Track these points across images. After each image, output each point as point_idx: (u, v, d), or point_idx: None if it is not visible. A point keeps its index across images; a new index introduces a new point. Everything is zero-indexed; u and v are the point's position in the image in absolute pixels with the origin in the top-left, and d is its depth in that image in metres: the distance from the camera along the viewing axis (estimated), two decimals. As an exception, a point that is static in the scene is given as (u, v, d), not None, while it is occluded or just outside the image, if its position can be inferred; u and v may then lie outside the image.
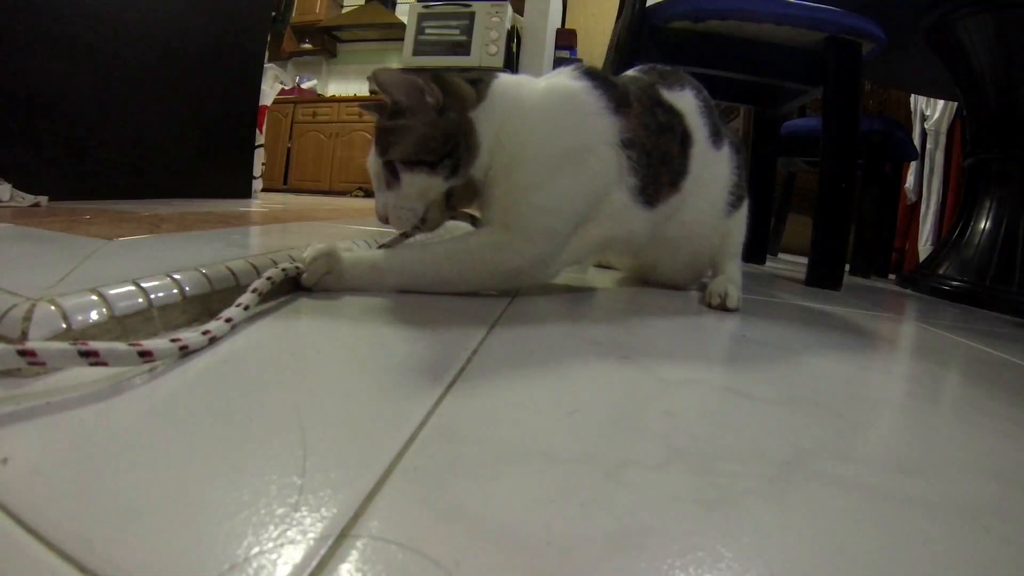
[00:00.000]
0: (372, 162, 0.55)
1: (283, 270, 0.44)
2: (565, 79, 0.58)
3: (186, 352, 0.31)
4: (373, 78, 0.51)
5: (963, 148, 2.00)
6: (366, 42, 4.71)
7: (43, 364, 0.25)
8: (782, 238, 2.31)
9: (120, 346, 0.27)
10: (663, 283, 0.79)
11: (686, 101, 0.66)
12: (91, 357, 0.26)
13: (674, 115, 0.63)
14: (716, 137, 0.69)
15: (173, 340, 0.30)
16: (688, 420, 0.30)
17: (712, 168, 0.69)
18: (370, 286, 0.51)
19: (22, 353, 0.24)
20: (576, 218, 0.56)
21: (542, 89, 0.58)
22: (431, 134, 0.52)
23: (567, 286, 0.71)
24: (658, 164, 0.60)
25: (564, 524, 0.19)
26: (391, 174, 0.53)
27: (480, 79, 0.56)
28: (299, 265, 0.48)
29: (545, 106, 0.56)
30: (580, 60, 0.61)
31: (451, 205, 0.56)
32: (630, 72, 0.71)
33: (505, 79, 0.58)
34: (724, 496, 0.22)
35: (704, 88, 0.71)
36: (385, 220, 0.55)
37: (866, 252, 1.86)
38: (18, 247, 0.49)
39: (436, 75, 0.53)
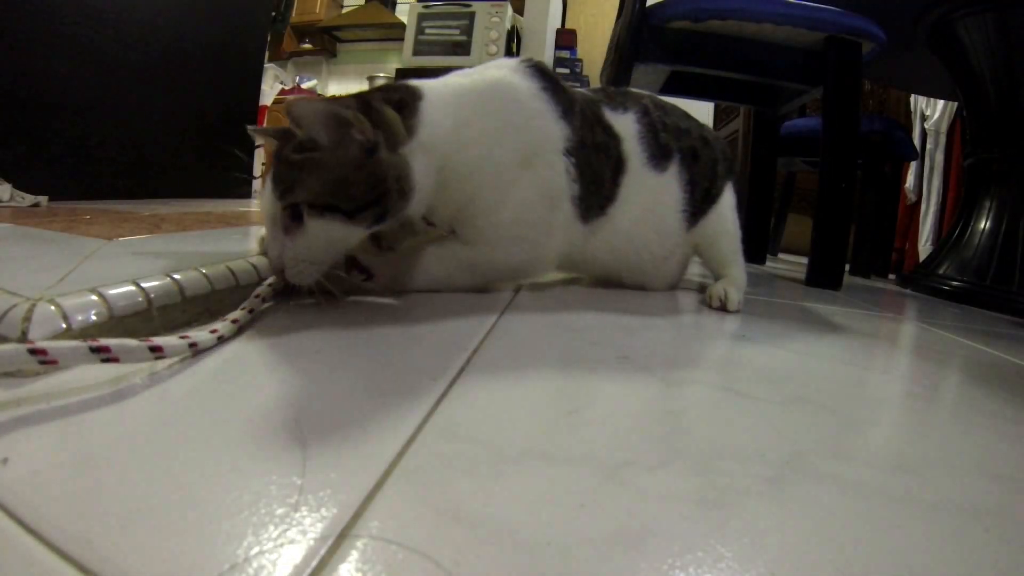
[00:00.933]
0: (267, 201, 0.43)
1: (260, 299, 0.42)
2: (510, 78, 0.54)
3: (196, 350, 0.31)
4: (286, 111, 0.41)
5: (963, 148, 1.99)
6: (366, 42, 4.70)
7: (54, 363, 0.25)
8: (782, 238, 2.31)
9: (131, 342, 0.27)
10: (632, 284, 0.72)
11: (626, 125, 0.62)
12: (102, 353, 0.26)
13: (611, 137, 0.61)
14: (660, 158, 0.64)
15: (183, 337, 0.30)
16: (688, 420, 0.30)
17: (653, 193, 0.64)
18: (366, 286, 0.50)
19: (33, 352, 0.24)
20: (546, 214, 0.55)
21: (482, 98, 0.52)
22: (354, 178, 0.42)
23: (567, 285, 0.71)
24: (590, 183, 0.57)
25: (564, 524, 0.19)
26: (292, 217, 0.42)
27: (403, 100, 0.47)
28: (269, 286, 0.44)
29: (488, 119, 0.51)
30: (524, 57, 0.57)
31: (379, 245, 0.52)
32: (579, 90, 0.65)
33: (436, 92, 0.50)
34: (724, 496, 0.22)
35: (655, 108, 0.66)
36: (280, 272, 0.43)
37: (866, 252, 1.86)
38: (18, 247, 0.49)
39: (364, 102, 0.44)
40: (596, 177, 0.58)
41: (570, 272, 0.72)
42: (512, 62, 0.56)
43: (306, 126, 0.42)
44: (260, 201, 0.46)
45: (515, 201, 0.52)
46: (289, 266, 0.42)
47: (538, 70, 0.55)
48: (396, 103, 0.46)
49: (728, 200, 0.71)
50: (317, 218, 0.42)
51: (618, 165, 0.61)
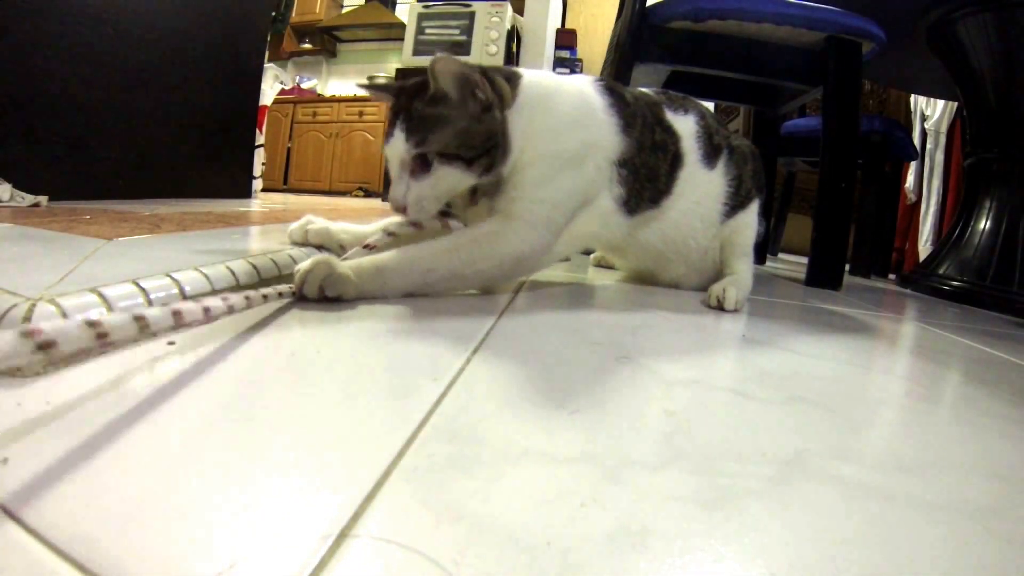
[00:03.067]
0: (397, 149, 0.51)
1: (279, 293, 0.42)
2: (588, 89, 0.62)
3: (180, 322, 0.29)
4: (431, 66, 0.49)
5: (963, 148, 1.99)
6: (366, 42, 4.71)
7: (53, 344, 0.22)
8: (782, 238, 2.31)
9: (123, 316, 0.25)
10: (668, 284, 0.80)
11: (686, 125, 0.71)
12: (96, 327, 0.24)
13: (671, 135, 0.68)
14: (711, 156, 0.73)
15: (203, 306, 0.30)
16: (688, 420, 0.30)
17: (703, 186, 0.72)
18: (375, 291, 0.49)
19: (27, 334, 0.22)
20: (571, 213, 0.60)
21: (565, 96, 0.60)
22: (474, 130, 0.51)
23: (567, 286, 0.71)
24: (644, 181, 0.65)
25: (564, 524, 0.19)
26: (421, 164, 0.51)
27: (510, 76, 0.57)
28: (292, 287, 0.45)
29: (564, 112, 0.59)
30: (598, 76, 0.66)
31: (475, 200, 0.57)
32: (643, 89, 0.74)
33: (533, 78, 0.59)
34: (724, 496, 0.22)
35: (710, 115, 0.75)
36: (401, 210, 0.52)
37: (866, 252, 1.86)
38: (18, 247, 0.49)
39: (483, 70, 0.53)
40: (651, 175, 0.66)
41: (617, 258, 0.83)
42: (588, 78, 0.65)
43: (442, 81, 0.50)
44: (386, 149, 0.52)
45: (556, 185, 0.57)
46: (412, 204, 0.51)
47: (608, 88, 0.64)
48: (505, 76, 0.56)
49: (754, 210, 0.78)
50: (444, 165, 0.50)
51: (675, 161, 0.68)
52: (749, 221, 0.77)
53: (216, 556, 0.16)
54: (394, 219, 0.56)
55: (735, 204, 0.75)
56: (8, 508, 0.17)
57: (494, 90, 0.53)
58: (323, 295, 0.45)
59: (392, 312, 0.47)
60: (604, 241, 0.69)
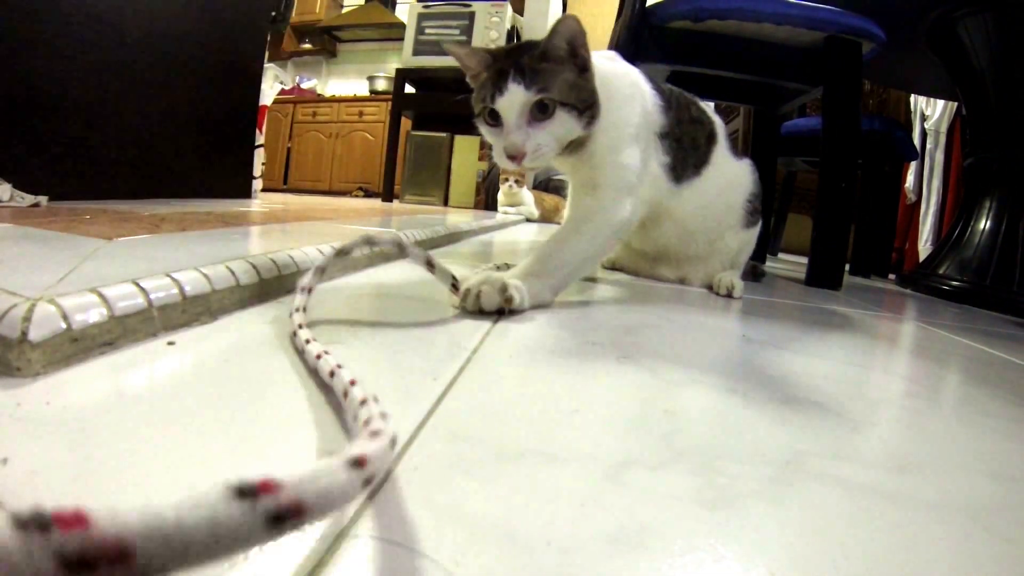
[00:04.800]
0: (516, 98, 0.54)
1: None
2: (637, 78, 0.69)
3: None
4: (560, 22, 0.54)
5: (963, 148, 1.99)
6: (366, 42, 4.71)
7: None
8: (782, 238, 2.31)
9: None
10: (674, 276, 0.87)
11: (714, 116, 0.81)
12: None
13: (704, 115, 0.78)
14: (735, 151, 0.83)
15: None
16: (688, 420, 0.30)
17: (732, 168, 0.81)
18: (534, 298, 0.53)
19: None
20: (642, 179, 0.66)
21: (621, 75, 0.67)
22: (580, 84, 0.57)
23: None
24: (688, 149, 0.73)
25: (564, 524, 0.19)
26: (540, 111, 0.55)
27: None
28: (458, 304, 0.49)
29: (627, 93, 0.66)
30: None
31: (567, 149, 0.61)
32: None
33: (595, 55, 0.64)
34: (724, 496, 0.22)
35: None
36: (516, 156, 0.55)
37: (866, 252, 1.86)
38: (18, 247, 0.49)
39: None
40: (692, 143, 0.74)
41: (632, 261, 0.91)
42: (633, 68, 0.70)
43: (559, 39, 0.55)
44: (500, 102, 0.55)
45: (628, 152, 0.64)
46: (532, 149, 0.55)
47: (646, 75, 0.71)
48: None
49: (757, 231, 0.87)
50: (563, 111, 0.55)
51: (710, 137, 0.77)
52: (752, 239, 0.87)
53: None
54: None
55: (755, 208, 0.84)
56: (8, 508, 0.17)
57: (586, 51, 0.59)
58: (499, 310, 0.49)
59: (391, 311, 0.47)
60: (656, 205, 0.74)
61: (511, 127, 0.55)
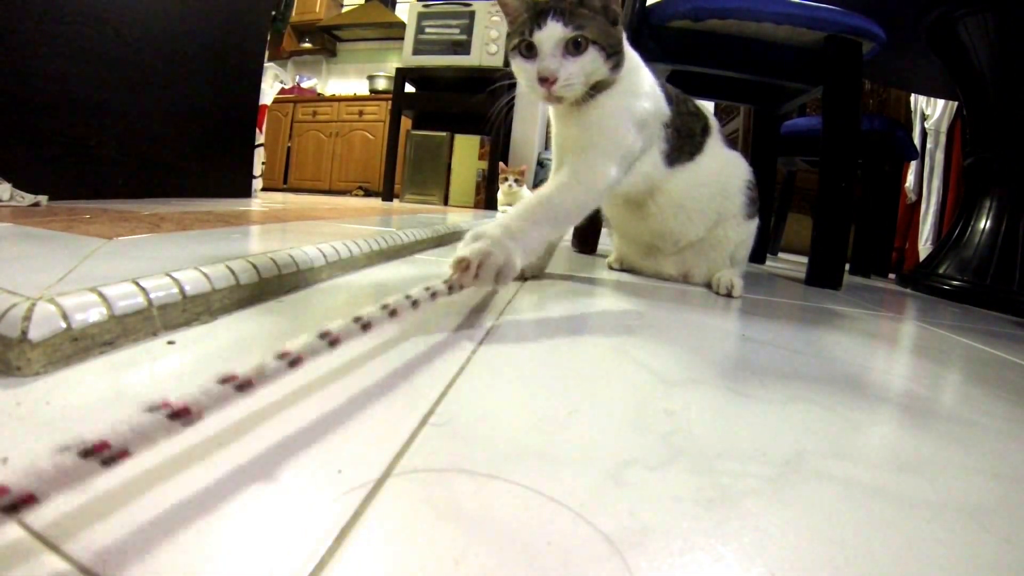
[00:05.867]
0: (554, 31, 0.60)
1: (430, 292, 0.39)
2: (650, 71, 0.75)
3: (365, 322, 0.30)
4: None
5: (963, 147, 1.99)
6: (366, 41, 4.70)
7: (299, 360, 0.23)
8: (782, 237, 2.31)
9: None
10: (677, 273, 0.88)
11: (709, 112, 0.86)
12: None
13: (700, 110, 0.83)
14: (730, 145, 0.87)
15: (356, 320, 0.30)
16: (688, 419, 0.30)
17: (726, 155, 0.85)
18: (526, 262, 0.54)
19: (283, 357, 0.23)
20: (633, 149, 0.69)
21: (640, 62, 0.72)
22: (610, 32, 0.63)
23: (568, 284, 0.71)
24: (684, 138, 0.78)
25: (564, 524, 0.19)
26: (574, 47, 0.61)
27: None
28: (449, 280, 0.43)
29: (644, 70, 0.72)
30: None
31: (586, 95, 0.65)
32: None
33: None
34: (724, 496, 0.22)
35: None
36: (551, 80, 0.60)
37: (866, 251, 1.86)
38: (18, 246, 0.49)
39: None
40: (689, 133, 0.79)
41: (634, 259, 0.92)
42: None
43: None
44: (538, 35, 0.60)
45: (626, 129, 0.67)
46: (562, 78, 0.60)
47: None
48: None
49: (755, 225, 0.88)
50: (595, 49, 0.61)
51: (704, 129, 0.82)
52: (752, 232, 0.88)
53: (216, 556, 0.16)
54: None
55: (754, 200, 0.86)
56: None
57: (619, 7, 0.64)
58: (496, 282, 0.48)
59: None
60: (649, 181, 0.78)
61: (546, 55, 0.61)
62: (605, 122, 0.66)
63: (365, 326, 0.30)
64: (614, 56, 0.63)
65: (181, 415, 0.19)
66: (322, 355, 0.26)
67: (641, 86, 0.70)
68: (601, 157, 0.65)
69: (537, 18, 0.61)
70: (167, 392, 0.19)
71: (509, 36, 0.65)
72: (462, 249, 0.47)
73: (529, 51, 0.62)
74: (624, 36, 0.66)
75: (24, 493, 0.15)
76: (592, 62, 0.62)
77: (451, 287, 0.43)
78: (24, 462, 0.15)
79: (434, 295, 0.39)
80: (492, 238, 0.49)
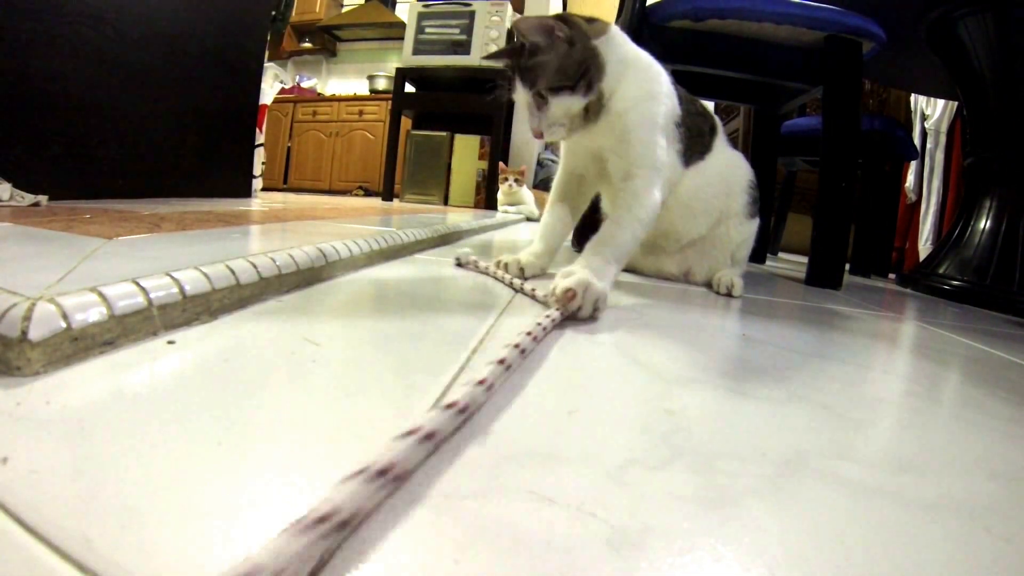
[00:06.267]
0: (521, 95, 0.65)
1: (542, 327, 0.43)
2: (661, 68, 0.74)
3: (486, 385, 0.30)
4: (515, 27, 0.62)
5: (963, 147, 1.99)
6: (366, 41, 4.71)
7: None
8: (782, 237, 2.31)
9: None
10: (678, 271, 0.88)
11: (712, 112, 0.87)
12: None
13: (706, 110, 0.84)
14: (733, 146, 0.89)
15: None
16: (688, 419, 0.30)
17: (730, 156, 0.87)
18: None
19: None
20: (662, 152, 0.69)
21: (652, 62, 0.72)
22: (566, 63, 0.62)
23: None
24: (695, 137, 0.78)
25: (564, 524, 0.19)
26: (540, 100, 0.63)
27: (592, 18, 0.68)
28: (556, 309, 0.49)
29: (654, 74, 0.71)
30: None
31: (587, 117, 0.66)
32: None
33: (619, 30, 0.70)
34: (724, 496, 0.22)
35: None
36: (539, 135, 0.65)
37: (866, 251, 1.86)
38: (18, 246, 0.49)
39: (559, 15, 0.64)
40: (699, 132, 0.80)
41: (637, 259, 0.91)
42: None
43: (526, 34, 0.61)
44: (515, 97, 0.65)
45: (654, 142, 0.68)
46: (545, 130, 0.64)
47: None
48: (586, 19, 0.66)
49: (756, 225, 0.89)
50: (555, 96, 0.62)
51: (712, 128, 0.84)
52: (753, 232, 0.89)
53: (216, 556, 0.16)
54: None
55: (755, 200, 0.87)
56: (8, 508, 0.17)
57: (570, 26, 0.63)
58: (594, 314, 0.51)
59: (391, 309, 0.47)
60: (668, 185, 0.78)
61: (527, 115, 0.66)
62: (634, 137, 0.66)
63: (508, 367, 0.32)
64: (583, 78, 0.63)
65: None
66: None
67: (655, 86, 0.70)
68: (646, 186, 0.66)
69: (513, 79, 0.64)
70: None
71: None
72: (564, 282, 0.51)
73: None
74: (604, 38, 0.65)
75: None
76: (560, 105, 0.63)
77: (561, 315, 0.48)
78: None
79: (545, 330, 0.43)
80: (585, 274, 0.52)
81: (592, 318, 0.52)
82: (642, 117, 0.67)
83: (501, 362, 0.31)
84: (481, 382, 0.28)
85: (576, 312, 0.50)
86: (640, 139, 0.66)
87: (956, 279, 1.30)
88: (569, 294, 0.50)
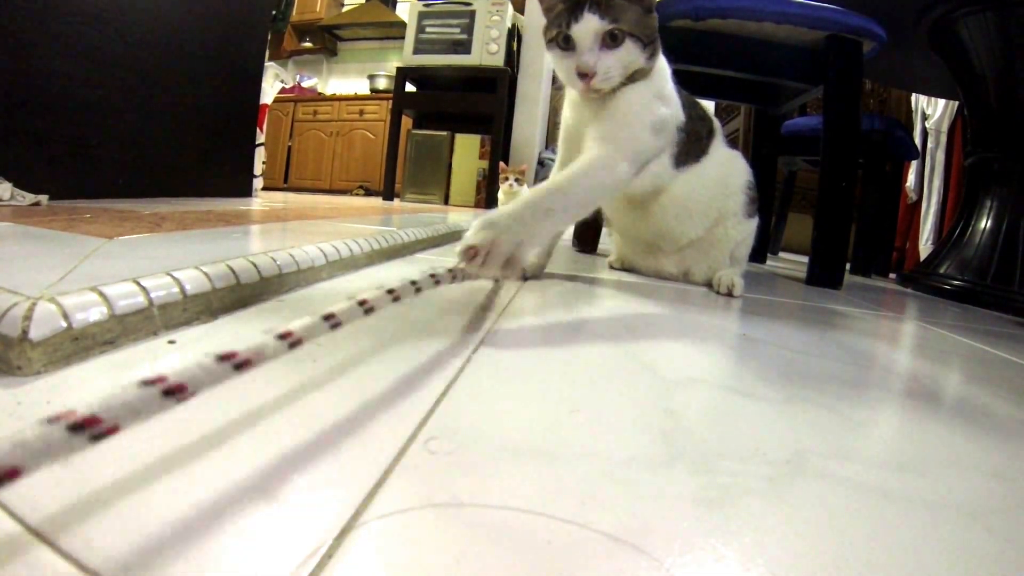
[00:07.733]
0: (591, 25, 0.60)
1: (434, 279, 0.39)
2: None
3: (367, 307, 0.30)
4: None
5: (964, 147, 1.99)
6: (366, 40, 4.70)
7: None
8: (782, 237, 2.30)
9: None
10: (677, 271, 0.88)
11: (712, 115, 0.88)
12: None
13: (706, 114, 0.85)
14: (731, 146, 0.89)
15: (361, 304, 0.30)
16: (689, 419, 0.30)
17: (728, 156, 0.86)
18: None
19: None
20: (651, 145, 0.68)
21: (665, 63, 0.72)
22: (646, 22, 0.64)
23: (568, 284, 0.71)
24: (693, 142, 0.78)
25: (564, 523, 0.19)
26: (612, 39, 0.61)
27: None
28: (454, 267, 0.43)
29: (669, 76, 0.72)
30: None
31: (622, 83, 0.65)
32: None
33: None
34: (724, 496, 0.22)
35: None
36: (588, 74, 0.61)
37: (867, 251, 1.86)
38: (18, 246, 0.49)
39: None
40: (697, 136, 0.79)
41: (634, 257, 0.93)
42: None
43: None
44: (576, 28, 0.60)
45: (642, 129, 0.67)
46: (601, 73, 0.61)
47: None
48: None
49: (755, 224, 0.89)
50: (631, 41, 0.62)
51: (710, 132, 0.84)
52: (752, 231, 0.88)
53: (216, 556, 0.16)
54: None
55: (753, 199, 0.86)
56: (8, 507, 0.17)
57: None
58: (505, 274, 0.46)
59: (391, 309, 0.47)
60: (655, 184, 0.79)
61: (584, 50, 0.61)
62: (625, 119, 0.65)
63: (368, 310, 0.30)
64: (650, 46, 0.64)
65: (175, 391, 0.18)
66: (322, 335, 0.26)
67: (665, 88, 0.71)
68: (617, 153, 0.63)
69: (573, 10, 0.60)
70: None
71: (546, 28, 0.65)
72: (470, 236, 0.45)
73: (567, 43, 0.62)
74: (657, 24, 0.66)
75: (7, 467, 0.14)
76: (629, 54, 0.62)
77: (455, 275, 0.42)
78: (8, 433, 0.15)
79: (437, 282, 0.39)
80: (502, 226, 0.46)
81: (498, 284, 0.47)
82: (640, 108, 0.66)
83: (362, 303, 0.30)
84: (328, 316, 0.28)
85: (500, 275, 0.45)
86: (627, 123, 0.65)
87: (957, 279, 1.30)
88: (470, 252, 0.44)
